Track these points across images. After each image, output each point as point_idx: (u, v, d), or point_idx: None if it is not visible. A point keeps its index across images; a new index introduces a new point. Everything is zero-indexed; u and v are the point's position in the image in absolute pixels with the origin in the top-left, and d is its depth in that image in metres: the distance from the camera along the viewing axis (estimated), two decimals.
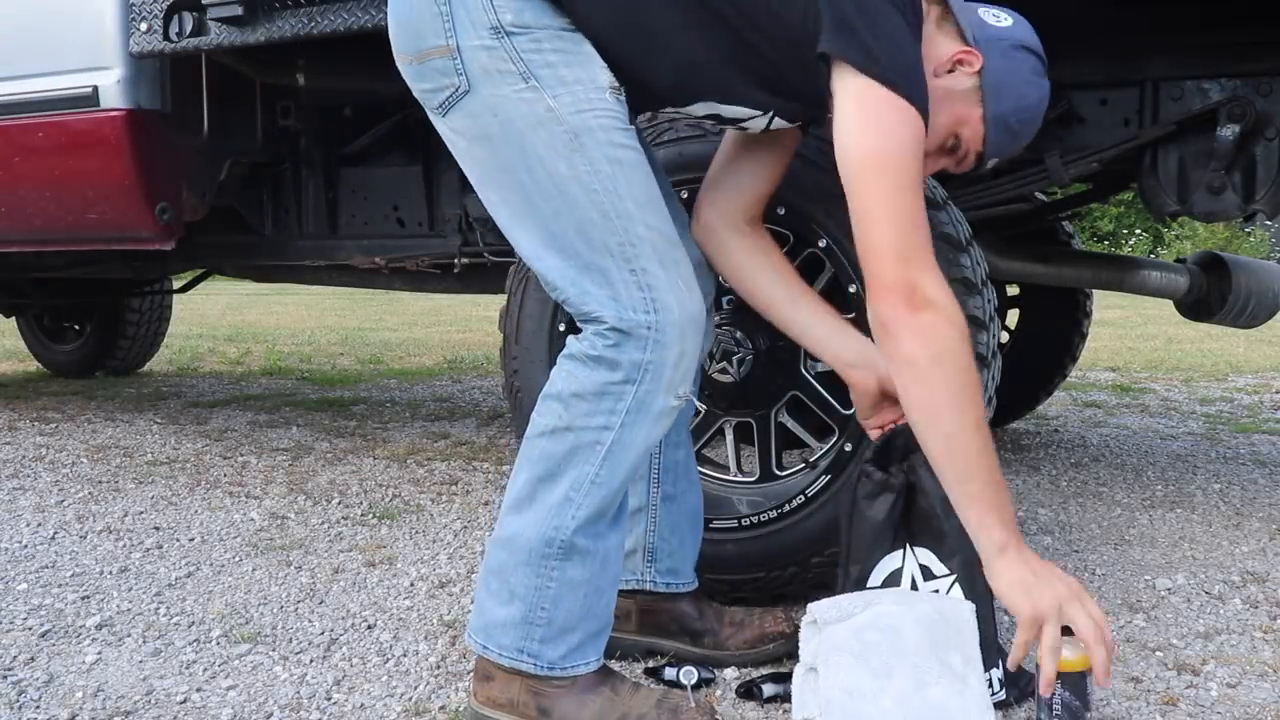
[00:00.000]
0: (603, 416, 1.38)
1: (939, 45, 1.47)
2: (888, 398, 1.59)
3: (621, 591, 1.71)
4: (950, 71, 1.47)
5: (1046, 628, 1.32)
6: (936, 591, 1.57)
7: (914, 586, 1.58)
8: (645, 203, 1.38)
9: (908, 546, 1.60)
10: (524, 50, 1.35)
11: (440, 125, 1.44)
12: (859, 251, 1.38)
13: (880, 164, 1.34)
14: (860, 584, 1.59)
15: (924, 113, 1.36)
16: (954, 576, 1.56)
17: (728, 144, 1.67)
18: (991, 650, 1.51)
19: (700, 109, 1.49)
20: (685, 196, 1.74)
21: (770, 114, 1.48)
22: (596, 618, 1.45)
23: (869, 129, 1.34)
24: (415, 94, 1.45)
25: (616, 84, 1.40)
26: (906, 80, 1.35)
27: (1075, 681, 1.39)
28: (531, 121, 1.35)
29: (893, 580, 1.58)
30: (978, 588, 1.49)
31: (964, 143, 1.49)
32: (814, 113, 1.47)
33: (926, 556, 1.59)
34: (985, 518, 1.37)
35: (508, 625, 1.43)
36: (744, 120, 1.50)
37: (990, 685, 1.48)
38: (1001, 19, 1.53)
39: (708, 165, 1.70)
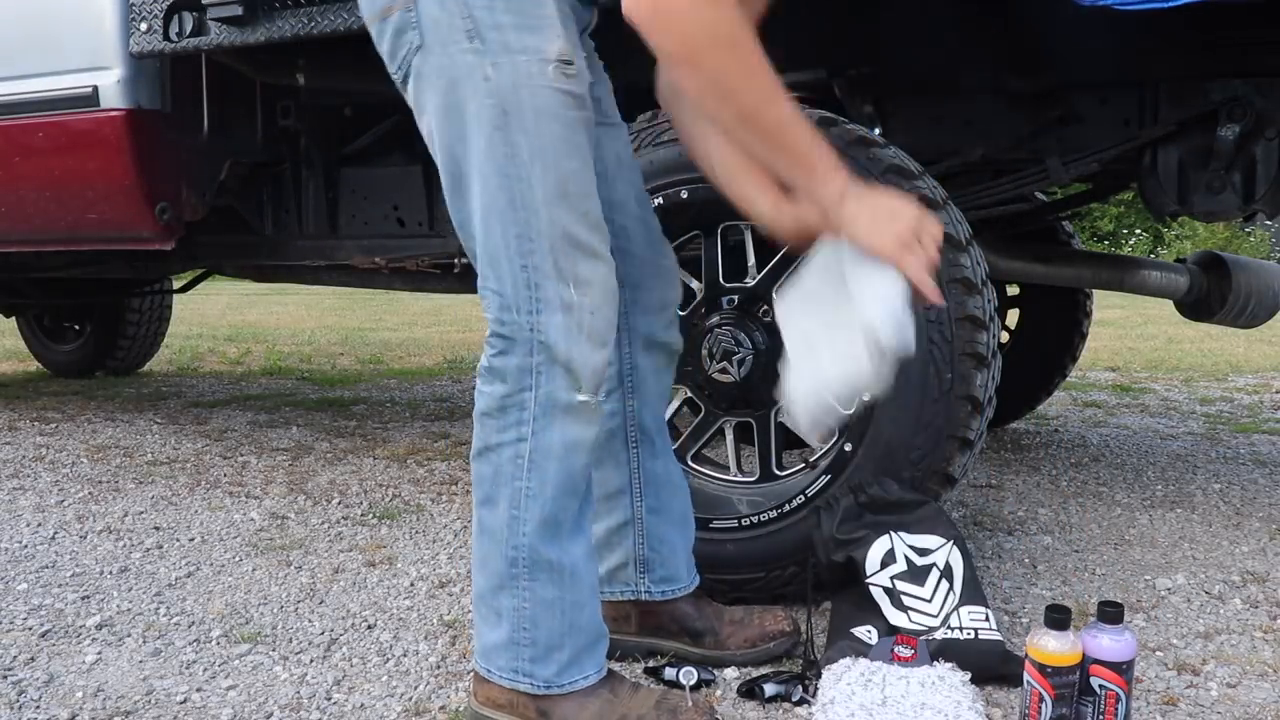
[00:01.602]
0: (512, 430, 1.36)
1: None
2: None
3: (619, 601, 1.71)
4: None
5: (910, 251, 1.32)
6: (933, 566, 1.70)
7: (911, 566, 1.70)
8: (558, 197, 1.31)
9: (891, 533, 1.73)
10: (475, 5, 1.29)
11: (403, 92, 1.39)
12: None
13: None
14: (852, 570, 1.72)
15: None
16: (949, 541, 1.72)
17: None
18: (977, 588, 1.71)
19: None
20: (685, 196, 1.75)
21: None
22: (582, 632, 1.43)
23: None
24: (383, 57, 1.38)
25: (568, 56, 1.32)
26: None
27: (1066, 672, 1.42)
28: (468, 89, 1.29)
29: (889, 559, 1.71)
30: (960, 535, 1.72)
31: None
32: None
33: (914, 539, 1.73)
34: (814, 174, 1.34)
35: (498, 648, 1.43)
36: None
37: (988, 621, 1.67)
38: None
39: None
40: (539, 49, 1.30)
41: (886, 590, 1.70)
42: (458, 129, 1.31)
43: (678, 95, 1.57)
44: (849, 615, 1.72)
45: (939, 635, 1.64)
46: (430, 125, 1.35)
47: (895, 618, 1.67)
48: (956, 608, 1.67)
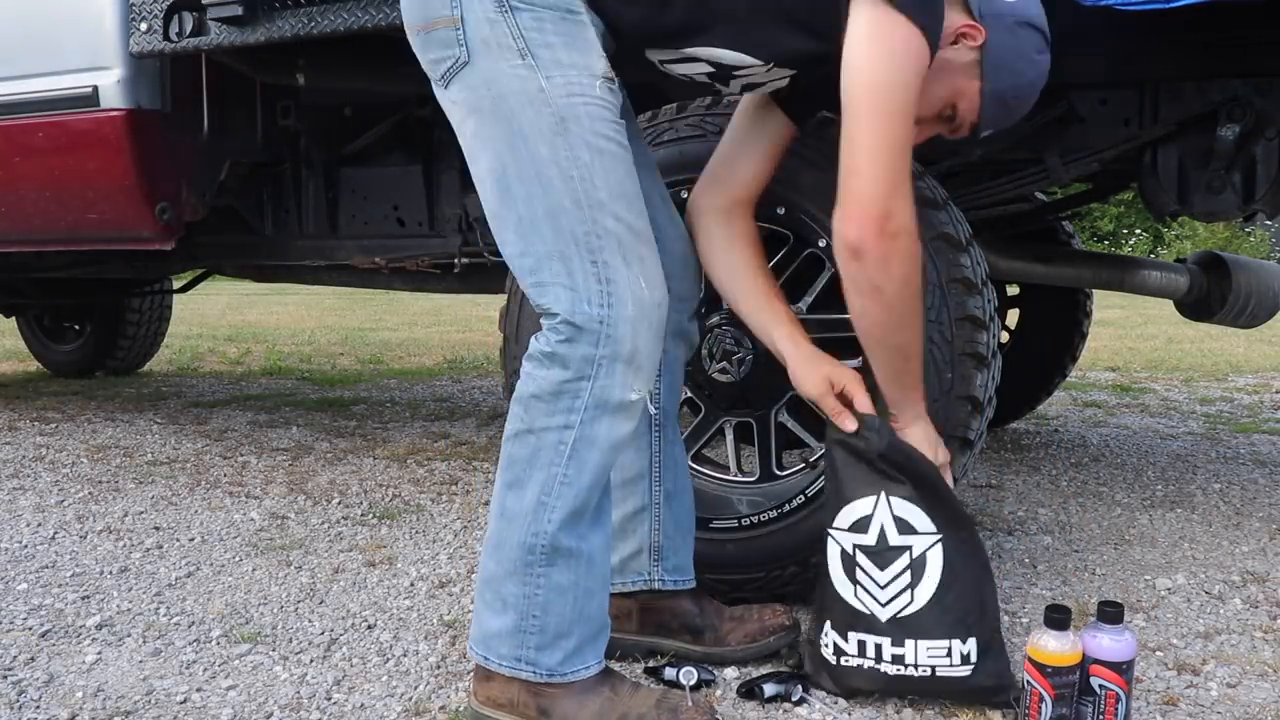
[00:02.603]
0: (561, 416, 1.38)
1: (945, 16, 1.46)
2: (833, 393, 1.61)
3: (624, 593, 1.71)
4: (953, 44, 1.48)
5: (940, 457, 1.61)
6: (909, 549, 1.53)
7: (883, 536, 1.55)
8: (619, 195, 1.38)
9: (883, 494, 1.56)
10: (525, 27, 1.36)
11: (441, 97, 1.45)
12: (841, 171, 1.39)
13: (883, 93, 1.36)
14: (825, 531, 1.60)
15: (933, 41, 1.38)
16: (939, 538, 1.54)
17: (727, 136, 1.68)
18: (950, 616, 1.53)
19: (703, 53, 1.47)
20: (685, 196, 1.75)
21: (769, 65, 1.48)
22: (590, 621, 1.45)
23: (878, 55, 1.36)
24: (423, 66, 1.45)
25: (611, 75, 1.41)
26: (920, 6, 1.36)
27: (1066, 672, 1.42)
28: (522, 99, 1.36)
29: (859, 527, 1.56)
30: (964, 551, 1.56)
31: (960, 115, 1.51)
32: (817, 50, 1.45)
33: (907, 510, 1.55)
34: (910, 395, 1.58)
35: (502, 635, 1.43)
36: (742, 71, 1.49)
37: (949, 656, 1.53)
38: None
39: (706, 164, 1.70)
40: (587, 66, 1.38)
41: (844, 553, 1.58)
42: (507, 138, 1.37)
43: (704, 216, 1.68)
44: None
45: (888, 670, 1.53)
46: (474, 136, 1.41)
47: (841, 583, 1.57)
48: (911, 619, 1.53)
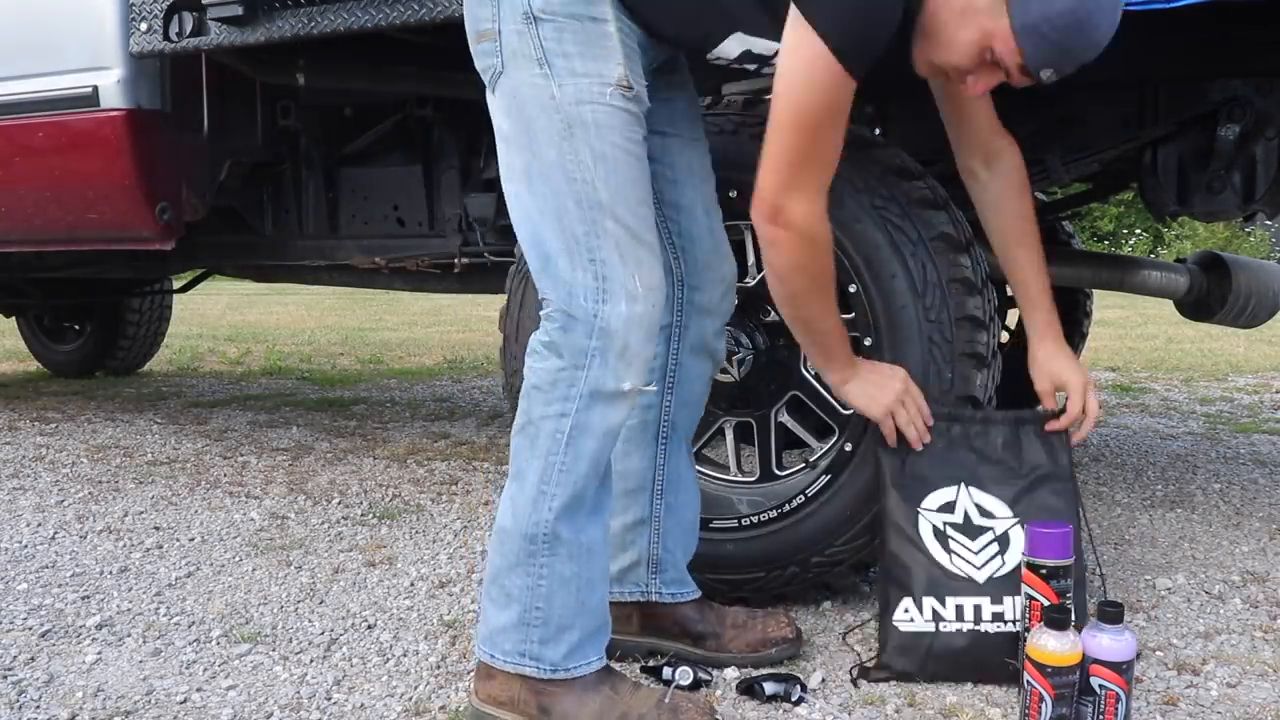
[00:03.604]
0: (558, 404, 1.43)
1: None
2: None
3: (622, 602, 1.71)
4: None
5: (897, 413, 1.68)
6: (990, 530, 1.68)
7: (967, 521, 1.69)
8: (620, 199, 1.44)
9: (962, 485, 1.70)
10: (545, 38, 1.43)
11: (489, 102, 1.53)
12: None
13: (790, 109, 1.42)
14: (909, 511, 1.70)
15: (854, 65, 1.38)
16: (1017, 520, 1.68)
17: (942, 108, 1.76)
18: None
19: (734, 46, 1.52)
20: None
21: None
22: (592, 614, 1.46)
23: (792, 72, 1.41)
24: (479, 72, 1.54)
25: (627, 81, 1.45)
26: (843, 33, 1.37)
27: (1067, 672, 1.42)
28: (537, 107, 1.44)
29: (947, 509, 1.70)
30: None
31: (1000, 57, 1.43)
32: None
33: (984, 498, 1.70)
34: (828, 364, 1.66)
35: (506, 629, 1.44)
36: (776, 57, 1.51)
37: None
38: None
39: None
40: (600, 73, 1.44)
41: (935, 529, 1.70)
42: (526, 141, 1.46)
43: (971, 179, 1.78)
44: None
45: (988, 630, 1.64)
46: (501, 138, 1.50)
47: (937, 553, 1.68)
48: (1006, 578, 1.65)
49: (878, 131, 2.36)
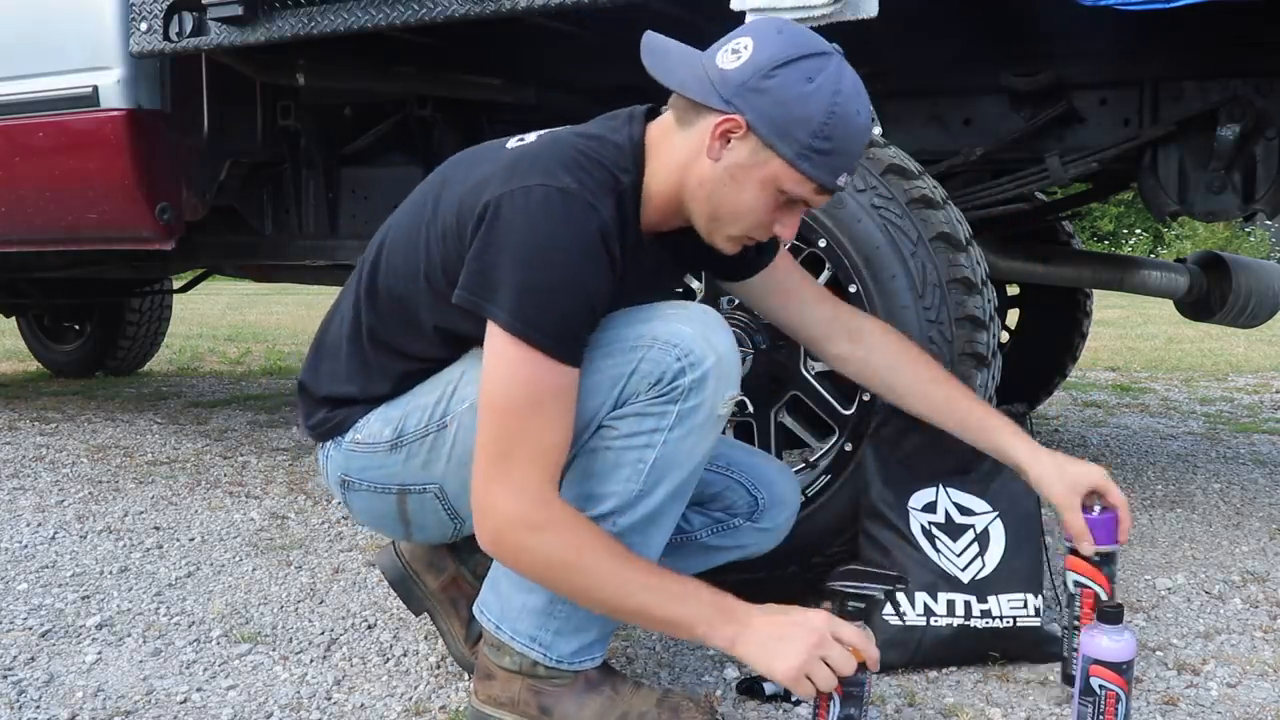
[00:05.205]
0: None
1: (695, 136, 1.36)
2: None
3: None
4: (725, 146, 1.34)
5: (814, 674, 1.28)
6: (971, 528, 1.72)
7: (949, 520, 1.73)
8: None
9: (940, 486, 1.74)
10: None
11: None
12: None
13: (493, 407, 1.31)
14: (899, 508, 1.73)
15: (562, 355, 1.30)
16: (996, 513, 1.73)
17: (770, 306, 1.70)
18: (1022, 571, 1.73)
19: None
20: None
21: None
22: (611, 620, 1.45)
23: (494, 374, 1.31)
24: None
25: None
26: (537, 329, 1.29)
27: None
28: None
29: (929, 509, 1.73)
30: (1019, 514, 1.75)
31: (790, 192, 1.35)
32: None
33: (961, 496, 1.74)
34: (695, 634, 1.31)
35: (526, 612, 1.43)
36: None
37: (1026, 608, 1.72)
38: (740, 53, 1.33)
39: None
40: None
41: (923, 528, 1.73)
42: None
43: (848, 364, 1.71)
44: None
45: (977, 625, 1.69)
46: None
47: (928, 549, 1.71)
48: (988, 579, 1.71)
49: (877, 131, 2.36)
